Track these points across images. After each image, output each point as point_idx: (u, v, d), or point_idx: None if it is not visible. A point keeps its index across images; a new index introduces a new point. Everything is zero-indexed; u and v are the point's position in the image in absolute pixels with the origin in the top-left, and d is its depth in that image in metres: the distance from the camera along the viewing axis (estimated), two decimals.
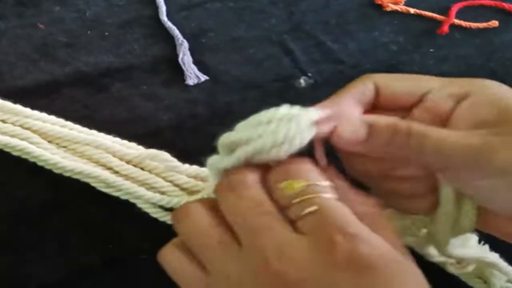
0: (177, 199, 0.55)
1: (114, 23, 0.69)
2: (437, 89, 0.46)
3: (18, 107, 0.60)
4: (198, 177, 0.57)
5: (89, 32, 0.68)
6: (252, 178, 0.41)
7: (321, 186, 0.39)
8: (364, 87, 0.46)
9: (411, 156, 0.43)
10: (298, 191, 0.39)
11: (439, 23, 0.72)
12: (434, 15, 0.72)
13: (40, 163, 0.58)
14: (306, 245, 0.36)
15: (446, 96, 0.45)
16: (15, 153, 0.59)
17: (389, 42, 0.70)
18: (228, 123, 0.58)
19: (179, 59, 0.66)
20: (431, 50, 0.70)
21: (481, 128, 0.42)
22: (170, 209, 0.56)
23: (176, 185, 0.57)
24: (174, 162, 0.57)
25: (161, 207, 0.56)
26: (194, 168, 0.57)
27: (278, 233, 0.37)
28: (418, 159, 0.43)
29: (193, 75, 0.65)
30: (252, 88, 0.65)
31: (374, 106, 0.47)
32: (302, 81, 0.66)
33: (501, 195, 0.42)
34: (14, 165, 0.59)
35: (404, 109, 0.46)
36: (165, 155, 0.57)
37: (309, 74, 0.66)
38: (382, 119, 0.44)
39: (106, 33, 0.68)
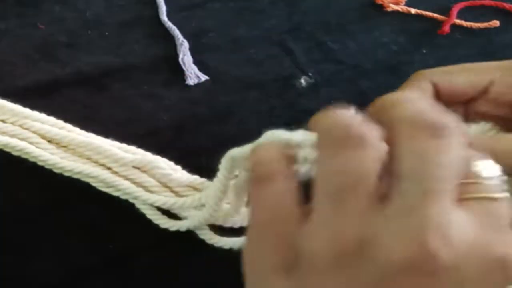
0: (173, 199, 0.55)
1: (114, 23, 0.69)
2: (500, 79, 0.43)
3: (18, 107, 0.60)
4: (191, 185, 0.57)
5: (89, 32, 0.68)
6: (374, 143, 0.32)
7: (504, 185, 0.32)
8: (421, 88, 0.43)
9: None
10: (493, 177, 0.32)
11: (440, 23, 0.72)
12: (435, 15, 0.72)
13: (40, 163, 0.58)
14: (469, 226, 0.30)
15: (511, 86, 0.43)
16: (15, 153, 0.58)
17: (390, 42, 0.70)
18: (229, 123, 0.59)
19: (179, 59, 0.66)
20: (432, 50, 0.70)
21: None
22: (167, 212, 0.56)
23: (172, 191, 0.57)
24: (166, 170, 0.57)
25: (159, 209, 0.56)
26: (187, 177, 0.57)
27: (440, 205, 0.29)
28: None
29: (193, 75, 0.65)
30: (252, 88, 0.65)
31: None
32: (303, 81, 0.66)
33: None
34: (14, 164, 0.58)
35: (467, 102, 0.44)
36: (157, 162, 0.57)
37: (310, 74, 0.66)
38: None
39: (106, 33, 0.68)
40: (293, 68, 0.67)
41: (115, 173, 0.57)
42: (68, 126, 0.60)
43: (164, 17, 0.70)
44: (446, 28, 0.70)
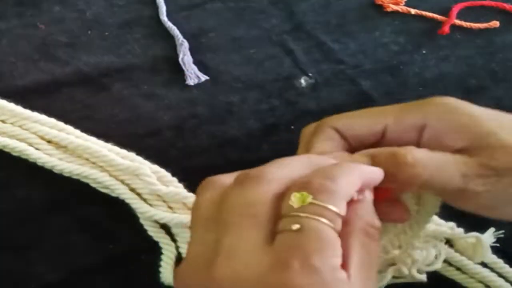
0: (164, 214, 0.55)
1: (114, 23, 0.69)
2: (394, 123, 0.45)
3: (18, 108, 0.60)
4: (184, 203, 0.57)
5: (89, 32, 0.68)
6: (278, 175, 0.38)
7: (329, 211, 0.36)
8: (326, 134, 0.46)
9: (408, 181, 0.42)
10: (301, 206, 0.36)
11: (439, 23, 0.71)
12: (435, 15, 0.72)
13: (39, 164, 0.58)
14: (264, 258, 0.35)
15: (405, 130, 0.45)
16: (14, 154, 0.59)
17: (390, 42, 0.70)
18: (229, 123, 0.59)
19: (179, 59, 0.66)
20: (432, 50, 0.70)
21: (459, 154, 0.43)
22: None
23: (164, 202, 0.57)
24: (157, 186, 0.56)
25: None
26: (175, 193, 0.56)
27: (246, 237, 0.35)
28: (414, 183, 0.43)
29: (193, 75, 0.65)
30: (252, 88, 0.65)
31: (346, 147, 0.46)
32: (303, 81, 0.66)
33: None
34: (15, 164, 0.59)
35: (374, 145, 0.46)
36: (149, 177, 0.56)
37: (310, 74, 0.66)
38: (380, 149, 0.43)
39: (106, 33, 0.68)
40: (293, 68, 0.67)
41: (113, 176, 0.57)
42: (68, 128, 0.60)
43: (164, 17, 0.69)
44: (446, 29, 0.70)
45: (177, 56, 0.66)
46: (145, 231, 0.55)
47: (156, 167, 0.57)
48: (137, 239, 0.55)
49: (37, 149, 0.59)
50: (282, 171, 0.38)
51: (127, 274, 0.54)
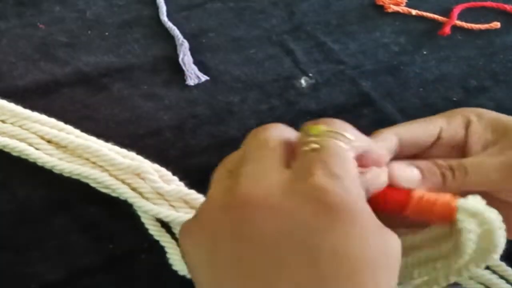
0: (168, 212, 0.55)
1: (114, 23, 0.69)
2: (446, 124, 0.48)
3: (17, 108, 0.60)
4: (185, 200, 0.57)
5: (89, 32, 0.68)
6: (280, 127, 0.42)
7: (342, 136, 0.39)
8: (391, 142, 0.47)
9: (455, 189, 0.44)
10: (318, 133, 0.39)
11: (440, 24, 0.71)
12: (436, 16, 0.72)
13: (39, 164, 0.58)
14: (285, 175, 0.38)
15: (456, 128, 0.48)
16: (14, 154, 0.58)
17: (390, 42, 0.70)
18: (229, 123, 0.59)
19: (180, 59, 0.66)
20: (432, 51, 0.70)
21: (490, 147, 0.46)
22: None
23: (166, 200, 0.57)
24: (158, 183, 0.56)
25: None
26: (177, 190, 0.56)
27: (263, 163, 0.39)
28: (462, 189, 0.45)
29: (194, 75, 0.65)
30: (252, 88, 0.65)
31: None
32: (303, 81, 0.66)
33: None
34: (15, 164, 0.58)
35: (424, 151, 0.49)
36: (151, 174, 0.56)
37: (310, 75, 0.66)
38: (422, 162, 0.46)
39: (106, 33, 0.68)
40: (293, 68, 0.67)
41: (113, 176, 0.57)
42: (68, 127, 0.60)
43: (164, 17, 0.69)
44: (447, 29, 0.70)
45: (177, 56, 0.66)
46: (145, 231, 0.55)
47: (156, 166, 0.57)
48: (137, 239, 0.55)
49: (37, 149, 0.58)
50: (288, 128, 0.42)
51: (127, 274, 0.54)
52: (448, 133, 0.48)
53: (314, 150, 0.38)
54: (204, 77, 0.65)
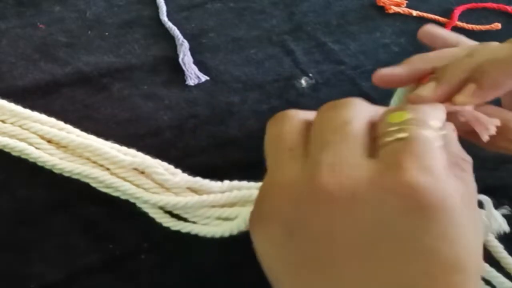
0: (177, 199, 0.55)
1: (114, 23, 0.69)
2: None
3: (17, 107, 0.60)
4: (191, 188, 0.57)
5: (89, 32, 0.68)
6: (360, 105, 0.39)
7: (427, 124, 0.36)
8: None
9: None
10: (401, 121, 0.36)
11: (441, 25, 0.71)
12: (436, 17, 0.72)
13: (39, 164, 0.58)
14: (370, 166, 0.35)
15: None
16: (14, 154, 0.58)
17: (391, 43, 0.70)
18: (229, 123, 0.59)
19: (180, 60, 0.66)
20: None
21: None
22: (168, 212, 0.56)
23: (172, 193, 0.57)
24: (165, 176, 0.56)
25: (161, 208, 0.56)
26: (185, 180, 0.56)
27: (345, 151, 0.36)
28: None
29: (194, 75, 0.65)
30: (252, 89, 0.65)
31: None
32: (303, 81, 0.66)
33: None
34: (15, 164, 0.58)
35: None
36: (155, 167, 0.56)
37: (310, 75, 0.66)
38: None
39: (106, 33, 0.68)
40: (294, 69, 0.67)
41: (114, 174, 0.57)
42: (68, 127, 0.60)
43: (164, 17, 0.70)
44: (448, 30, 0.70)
45: (177, 56, 0.66)
46: (145, 231, 0.55)
47: (158, 161, 0.57)
48: (137, 239, 0.55)
49: (37, 148, 0.58)
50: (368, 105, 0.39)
51: (127, 274, 0.54)
52: None
53: (400, 139, 0.35)
54: (204, 77, 0.65)
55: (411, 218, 0.33)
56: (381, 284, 0.33)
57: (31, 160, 0.58)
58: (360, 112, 0.38)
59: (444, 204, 0.33)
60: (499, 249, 0.54)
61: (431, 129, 0.36)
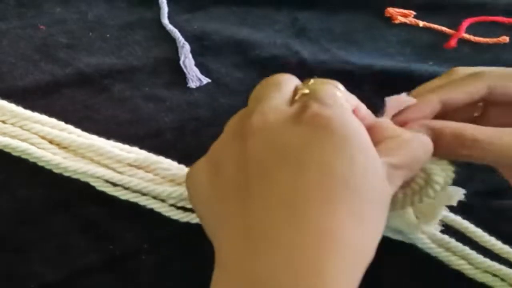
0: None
1: (115, 25, 0.69)
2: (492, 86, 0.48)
3: (18, 108, 0.60)
4: None
5: (90, 33, 0.68)
6: (290, 77, 0.46)
7: (336, 87, 0.44)
8: (476, 88, 0.48)
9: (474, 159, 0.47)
10: (309, 83, 0.45)
11: (448, 36, 0.71)
12: (444, 28, 0.72)
13: (41, 164, 0.58)
14: (288, 109, 0.42)
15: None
16: (15, 154, 0.58)
17: (395, 53, 0.70)
18: None
19: (181, 62, 0.66)
20: (438, 63, 0.70)
21: None
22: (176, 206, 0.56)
23: (179, 185, 0.57)
24: (172, 170, 0.57)
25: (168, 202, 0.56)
26: None
27: (273, 102, 0.43)
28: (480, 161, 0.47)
29: (195, 78, 0.65)
30: None
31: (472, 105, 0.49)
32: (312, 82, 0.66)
33: None
34: (15, 164, 0.58)
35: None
36: (161, 163, 0.57)
37: (315, 76, 0.66)
38: (449, 125, 0.47)
39: (108, 35, 0.68)
40: (299, 70, 0.67)
41: (120, 173, 0.57)
42: (70, 127, 0.59)
43: (165, 20, 0.69)
44: (453, 42, 0.70)
45: (178, 58, 0.66)
46: (145, 231, 0.55)
47: (162, 158, 0.57)
48: (137, 239, 0.55)
49: (39, 148, 0.58)
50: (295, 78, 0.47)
51: (127, 274, 0.54)
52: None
53: (308, 93, 0.43)
54: (205, 80, 0.65)
55: (310, 138, 0.40)
56: (281, 200, 0.39)
57: (32, 160, 0.58)
58: (287, 79, 0.46)
59: (339, 127, 0.40)
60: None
61: (331, 84, 0.44)
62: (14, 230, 0.56)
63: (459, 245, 0.56)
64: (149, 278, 0.53)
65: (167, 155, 0.59)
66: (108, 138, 0.59)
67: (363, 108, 0.46)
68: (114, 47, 0.67)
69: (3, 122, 0.60)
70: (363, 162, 0.40)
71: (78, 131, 0.59)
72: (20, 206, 0.57)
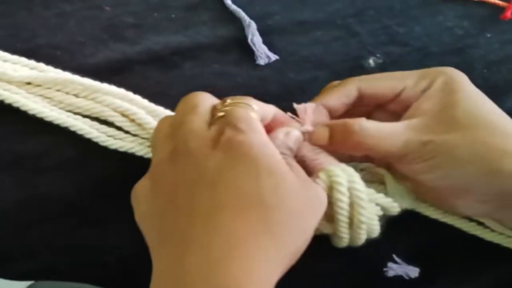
0: None
1: (179, 7, 0.69)
2: (411, 85, 0.55)
3: (88, 81, 0.61)
4: None
5: (155, 14, 0.68)
6: (205, 94, 0.53)
7: (243, 104, 0.50)
8: (348, 91, 0.56)
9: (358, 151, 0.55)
10: (225, 103, 0.51)
11: (502, 9, 0.72)
12: (497, 1, 0.72)
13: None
14: (206, 133, 0.48)
15: (418, 92, 0.55)
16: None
17: (454, 26, 0.70)
18: (301, 101, 0.59)
19: (249, 40, 0.66)
20: (496, 34, 0.70)
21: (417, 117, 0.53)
22: None
23: None
24: None
25: None
26: None
27: (193, 125, 0.49)
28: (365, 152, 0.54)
29: (264, 55, 0.65)
30: (322, 68, 0.65)
31: (357, 105, 0.56)
32: (371, 61, 0.66)
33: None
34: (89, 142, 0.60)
35: (382, 105, 0.57)
36: None
37: (378, 55, 0.67)
38: (336, 121, 0.54)
39: (173, 15, 0.68)
40: (361, 50, 0.67)
41: None
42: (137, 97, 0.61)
43: (228, 0, 0.70)
44: (508, 14, 0.71)
45: (245, 37, 0.67)
46: None
47: None
48: None
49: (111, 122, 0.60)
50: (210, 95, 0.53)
51: None
52: (408, 94, 0.55)
53: (223, 116, 0.49)
54: (274, 57, 0.66)
55: (221, 160, 0.46)
56: (200, 212, 0.45)
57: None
58: (204, 99, 0.52)
59: (249, 150, 0.47)
60: None
61: (245, 106, 0.50)
62: (92, 204, 0.58)
63: None
64: None
65: None
66: None
67: (279, 114, 0.55)
68: (180, 27, 0.67)
69: (76, 96, 0.61)
70: (270, 179, 0.46)
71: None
72: (97, 181, 0.58)
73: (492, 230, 0.58)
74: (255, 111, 0.50)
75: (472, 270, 0.59)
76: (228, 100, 0.51)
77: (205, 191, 0.46)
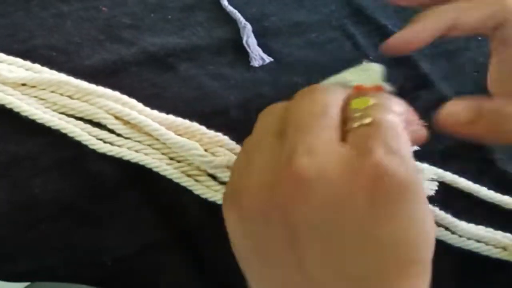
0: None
1: (176, 7, 0.70)
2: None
3: (82, 83, 0.61)
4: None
5: (152, 15, 0.69)
6: (334, 91, 0.40)
7: (389, 109, 0.37)
8: (443, 23, 0.48)
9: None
10: (365, 107, 0.38)
11: None
12: None
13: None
14: (342, 150, 0.35)
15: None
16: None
17: None
18: None
19: (244, 41, 0.67)
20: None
21: None
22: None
23: None
24: (207, 157, 0.58)
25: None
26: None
27: (319, 134, 0.36)
28: None
29: (258, 57, 0.66)
30: (316, 70, 0.66)
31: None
32: (365, 63, 0.66)
33: None
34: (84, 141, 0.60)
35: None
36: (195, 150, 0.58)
37: (371, 58, 0.67)
38: (485, 103, 0.43)
39: (169, 16, 0.69)
40: (355, 52, 0.68)
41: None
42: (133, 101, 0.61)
43: (224, 1, 0.70)
44: None
45: (240, 39, 0.67)
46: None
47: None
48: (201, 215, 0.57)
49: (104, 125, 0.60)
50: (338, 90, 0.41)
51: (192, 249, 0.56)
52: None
53: (367, 125, 0.36)
54: (268, 59, 0.66)
55: (381, 202, 0.34)
56: (337, 271, 0.35)
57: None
58: (334, 98, 0.39)
59: (413, 186, 0.34)
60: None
61: (394, 113, 0.37)
62: (89, 206, 0.57)
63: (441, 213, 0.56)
64: (211, 252, 0.55)
65: (234, 131, 0.60)
66: (176, 115, 0.60)
67: (410, 112, 0.40)
68: (177, 28, 0.68)
69: (70, 97, 0.61)
70: (425, 226, 0.36)
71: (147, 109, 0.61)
72: (94, 182, 0.58)
73: None
74: (402, 119, 0.38)
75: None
76: (370, 100, 0.38)
77: (348, 240, 0.35)
